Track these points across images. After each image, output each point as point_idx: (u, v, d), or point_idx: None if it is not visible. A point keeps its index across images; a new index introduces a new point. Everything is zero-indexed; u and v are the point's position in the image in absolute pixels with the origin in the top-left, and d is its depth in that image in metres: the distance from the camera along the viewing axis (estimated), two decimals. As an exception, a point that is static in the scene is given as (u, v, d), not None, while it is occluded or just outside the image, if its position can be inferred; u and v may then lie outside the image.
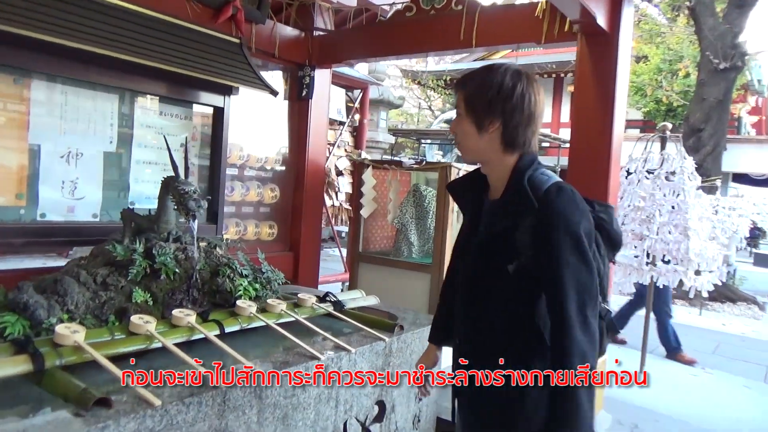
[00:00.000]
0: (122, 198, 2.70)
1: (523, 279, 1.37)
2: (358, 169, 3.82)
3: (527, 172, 1.39)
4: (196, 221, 2.15)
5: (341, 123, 5.96)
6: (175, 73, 2.63)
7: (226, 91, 2.95)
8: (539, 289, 1.36)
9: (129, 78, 2.61)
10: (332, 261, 7.46)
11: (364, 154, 5.45)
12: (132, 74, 2.61)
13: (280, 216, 3.72)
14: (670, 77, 13.51)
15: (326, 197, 5.61)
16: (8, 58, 2.23)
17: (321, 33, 3.65)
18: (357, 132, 6.26)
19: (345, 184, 5.94)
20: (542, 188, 1.35)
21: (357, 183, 3.81)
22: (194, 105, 2.96)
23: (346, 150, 6.10)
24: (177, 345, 1.76)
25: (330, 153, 5.69)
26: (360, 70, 6.20)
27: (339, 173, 5.88)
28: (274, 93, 2.98)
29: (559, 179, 1.40)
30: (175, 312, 1.95)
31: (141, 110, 2.76)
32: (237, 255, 2.49)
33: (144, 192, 2.78)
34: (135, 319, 1.83)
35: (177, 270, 2.17)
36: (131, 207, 2.31)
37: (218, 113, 3.00)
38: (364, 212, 3.72)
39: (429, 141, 14.33)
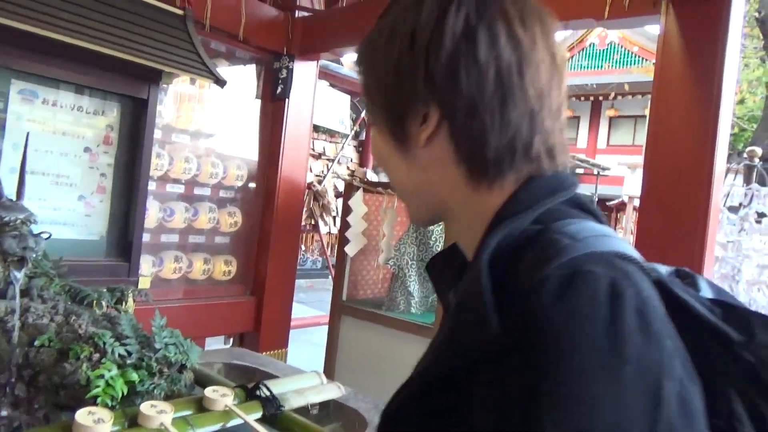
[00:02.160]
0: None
1: None
2: (346, 191, 2.93)
3: (504, 228, 0.59)
4: (22, 272, 1.29)
5: (344, 135, 5.11)
6: (77, 48, 1.81)
7: (152, 77, 2.12)
8: None
9: (4, 50, 1.80)
10: (328, 292, 6.63)
11: (370, 174, 4.58)
12: (5, 44, 1.79)
13: (242, 249, 2.86)
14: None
15: (321, 223, 4.76)
16: None
17: (305, 14, 2.82)
18: (363, 147, 5.39)
19: (347, 207, 5.06)
20: (533, 277, 0.52)
21: (344, 210, 2.92)
22: (108, 95, 2.13)
23: (348, 168, 5.25)
24: None
25: (329, 170, 4.85)
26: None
27: (338, 195, 4.99)
28: (221, 83, 2.14)
29: (598, 251, 0.55)
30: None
31: (21, 97, 1.93)
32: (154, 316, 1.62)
33: (20, 214, 1.94)
34: None
35: (-8, 349, 1.31)
36: (-66, 241, 1.47)
37: (137, 106, 2.16)
38: (350, 249, 2.81)
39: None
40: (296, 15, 2.81)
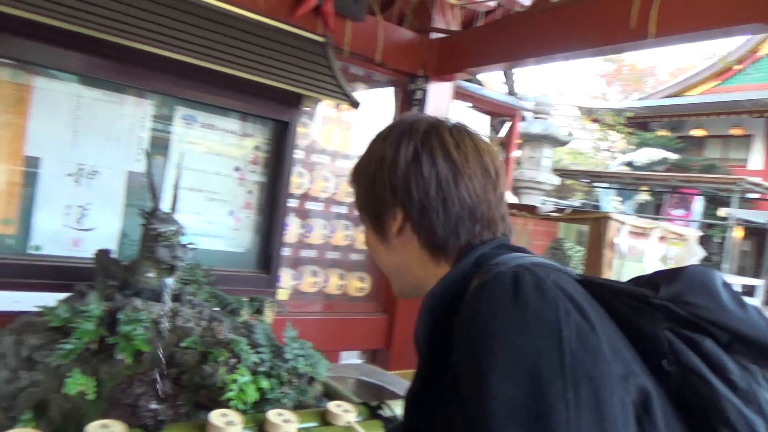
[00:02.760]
0: (149, 232, 2.10)
1: None
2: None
3: (449, 275, 0.86)
4: (172, 278, 1.42)
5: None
6: (230, 76, 1.99)
7: (294, 101, 2.25)
8: None
9: (168, 80, 2.03)
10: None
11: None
12: (173, 75, 2.01)
13: (375, 266, 2.90)
14: None
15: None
16: (13, 49, 1.74)
17: (441, 36, 2.83)
18: (501, 166, 5.26)
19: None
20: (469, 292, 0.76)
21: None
22: (256, 119, 2.30)
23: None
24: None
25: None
26: (509, 95, 5.26)
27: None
28: (355, 105, 2.21)
29: (512, 263, 0.77)
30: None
31: (182, 122, 2.16)
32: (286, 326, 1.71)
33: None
34: None
35: (146, 348, 1.45)
36: (106, 250, 1.66)
37: (281, 128, 2.30)
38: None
39: (605, 185, 12.67)
40: (431, 37, 2.83)
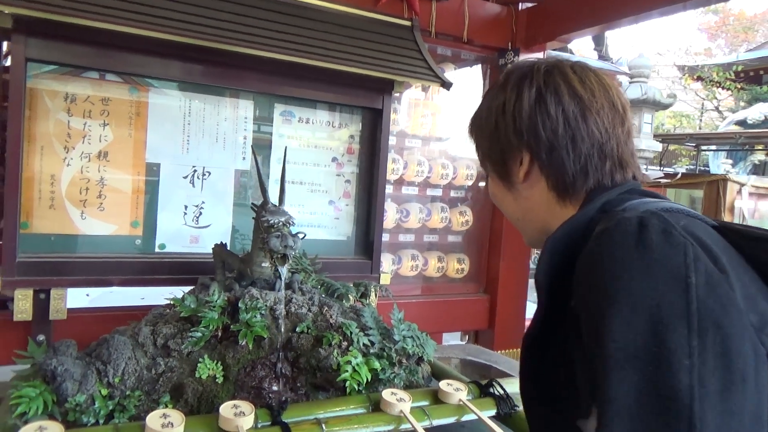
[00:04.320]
0: (258, 225, 2.22)
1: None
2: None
3: (572, 220, 0.83)
4: (285, 267, 1.49)
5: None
6: (322, 69, 2.05)
7: (385, 88, 2.28)
8: None
9: (264, 79, 2.12)
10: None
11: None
12: (269, 74, 2.11)
13: (473, 247, 2.90)
14: None
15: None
16: (121, 64, 1.90)
17: (529, 5, 2.74)
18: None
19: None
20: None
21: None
22: (349, 109, 2.35)
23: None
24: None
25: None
26: (601, 60, 4.98)
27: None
28: (447, 85, 2.20)
29: (640, 208, 0.76)
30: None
31: (280, 118, 2.25)
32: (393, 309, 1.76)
33: (284, 218, 2.26)
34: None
35: (265, 334, 1.54)
36: (222, 243, 1.77)
37: (374, 116, 2.34)
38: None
39: (714, 147, 11.76)
40: (519, 8, 2.75)
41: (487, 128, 0.95)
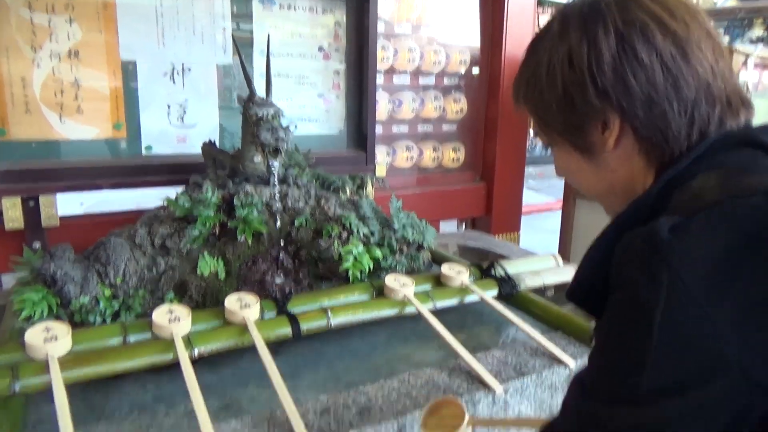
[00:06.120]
0: (246, 122, 2.15)
1: None
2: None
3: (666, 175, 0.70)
4: (278, 160, 1.45)
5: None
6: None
7: (370, -35, 2.11)
8: None
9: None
10: (560, 179, 6.28)
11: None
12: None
13: (469, 136, 2.84)
14: None
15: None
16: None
17: None
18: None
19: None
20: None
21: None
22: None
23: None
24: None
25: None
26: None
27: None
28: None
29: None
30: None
31: (260, 6, 2.10)
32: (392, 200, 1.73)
33: (273, 113, 2.17)
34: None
35: (263, 229, 1.53)
36: (211, 141, 1.70)
37: (361, 1, 2.18)
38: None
39: (712, 23, 11.32)
40: None
41: (550, 91, 0.75)
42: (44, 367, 1.05)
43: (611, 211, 0.82)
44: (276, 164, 1.44)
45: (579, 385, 0.65)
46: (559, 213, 3.13)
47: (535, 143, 6.89)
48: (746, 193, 0.59)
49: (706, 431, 0.56)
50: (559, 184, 3.47)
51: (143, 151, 1.99)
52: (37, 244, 1.77)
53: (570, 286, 0.77)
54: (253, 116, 1.43)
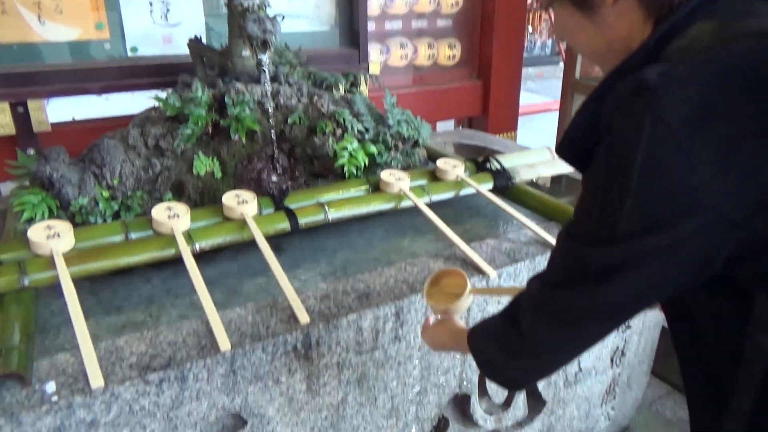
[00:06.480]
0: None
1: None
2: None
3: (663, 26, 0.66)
4: (267, 54, 1.40)
5: None
6: None
7: None
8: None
9: None
10: (558, 80, 6.17)
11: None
12: None
13: (465, 31, 2.74)
14: None
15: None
16: None
17: None
18: None
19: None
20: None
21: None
22: None
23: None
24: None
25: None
26: None
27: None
28: None
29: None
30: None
31: None
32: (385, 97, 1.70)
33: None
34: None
35: (257, 127, 1.51)
36: (197, 38, 1.65)
37: None
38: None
39: None
40: None
41: None
42: (50, 262, 1.08)
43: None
44: (266, 59, 1.40)
45: (565, 233, 0.69)
46: (557, 114, 3.09)
47: (534, 39, 6.66)
48: (738, 38, 0.59)
49: (678, 267, 0.59)
50: (557, 84, 3.39)
51: (128, 53, 1.93)
52: (30, 151, 1.76)
53: (560, 140, 0.76)
54: (238, 6, 1.37)
